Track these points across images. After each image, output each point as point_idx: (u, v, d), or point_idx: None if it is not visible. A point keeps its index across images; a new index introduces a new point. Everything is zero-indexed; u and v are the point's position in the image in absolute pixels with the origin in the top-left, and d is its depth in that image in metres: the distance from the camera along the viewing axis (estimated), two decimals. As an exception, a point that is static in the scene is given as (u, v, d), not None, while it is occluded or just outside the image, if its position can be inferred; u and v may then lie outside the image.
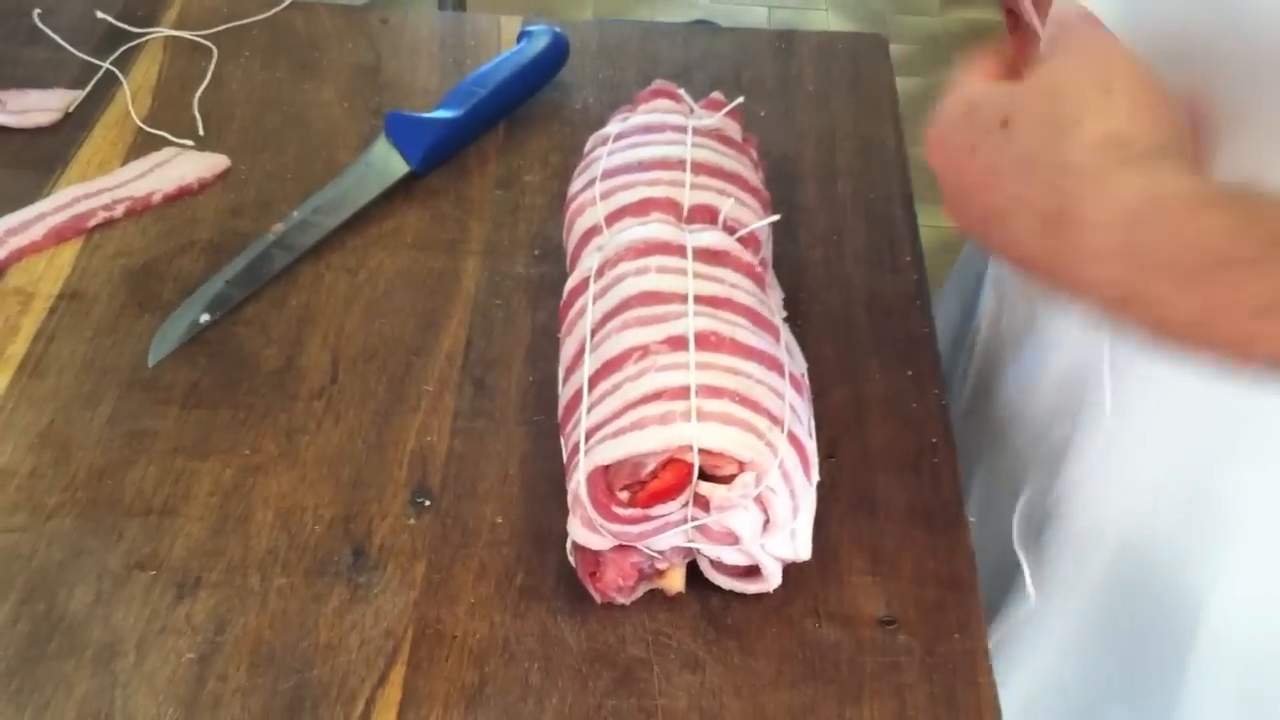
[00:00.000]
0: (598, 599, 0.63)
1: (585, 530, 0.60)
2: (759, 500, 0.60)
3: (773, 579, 0.63)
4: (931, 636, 0.63)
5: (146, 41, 0.96)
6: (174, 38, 0.96)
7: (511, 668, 0.61)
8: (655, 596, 0.64)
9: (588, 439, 0.61)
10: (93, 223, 0.82)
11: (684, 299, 0.64)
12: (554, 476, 0.68)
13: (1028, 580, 0.72)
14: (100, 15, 0.97)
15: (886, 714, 0.60)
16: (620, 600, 0.63)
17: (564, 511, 0.67)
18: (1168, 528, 0.66)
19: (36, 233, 0.80)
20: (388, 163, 0.85)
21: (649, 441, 0.59)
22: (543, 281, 0.80)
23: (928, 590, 0.65)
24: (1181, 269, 0.45)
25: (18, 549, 0.65)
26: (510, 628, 0.63)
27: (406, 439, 0.71)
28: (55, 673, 0.60)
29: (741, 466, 0.59)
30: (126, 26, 0.96)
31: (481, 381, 0.74)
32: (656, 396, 0.60)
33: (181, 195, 0.84)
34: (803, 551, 0.62)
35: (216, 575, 0.64)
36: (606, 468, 0.60)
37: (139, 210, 0.83)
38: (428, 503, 0.68)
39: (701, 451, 0.59)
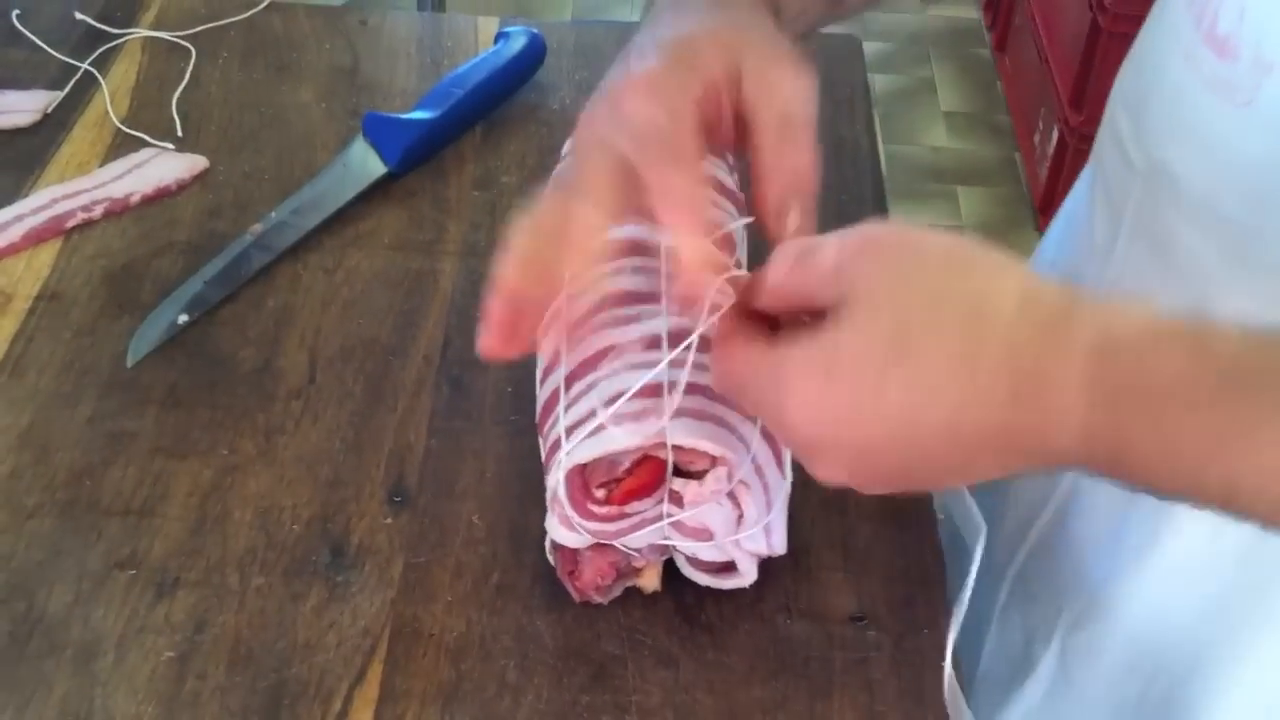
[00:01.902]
0: (576, 598, 0.63)
1: (563, 529, 0.61)
2: (732, 495, 0.61)
3: (748, 575, 0.64)
4: (901, 632, 0.64)
5: (125, 42, 0.96)
6: (152, 39, 0.97)
7: (488, 665, 0.62)
8: (630, 594, 0.65)
9: (566, 437, 0.61)
10: (71, 224, 0.82)
11: (659, 299, 0.65)
12: (530, 476, 0.69)
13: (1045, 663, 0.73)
14: (79, 16, 0.97)
15: (856, 707, 0.61)
16: (598, 600, 0.64)
17: (540, 510, 0.67)
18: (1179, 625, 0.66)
19: (15, 234, 0.81)
20: (365, 163, 0.86)
21: (624, 439, 0.60)
22: (519, 282, 0.80)
23: (897, 587, 0.66)
24: (1151, 405, 0.44)
25: (-3, 549, 0.66)
26: (487, 625, 0.63)
27: (384, 439, 0.71)
28: (35, 672, 0.61)
29: (714, 462, 0.60)
30: (105, 27, 0.97)
31: (459, 382, 0.75)
32: (632, 395, 0.61)
33: (160, 196, 0.85)
34: (778, 546, 0.63)
35: (195, 575, 0.65)
36: (584, 466, 0.60)
37: (117, 211, 0.83)
38: (405, 502, 0.68)
39: (675, 448, 0.60)
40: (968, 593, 0.59)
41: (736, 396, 0.53)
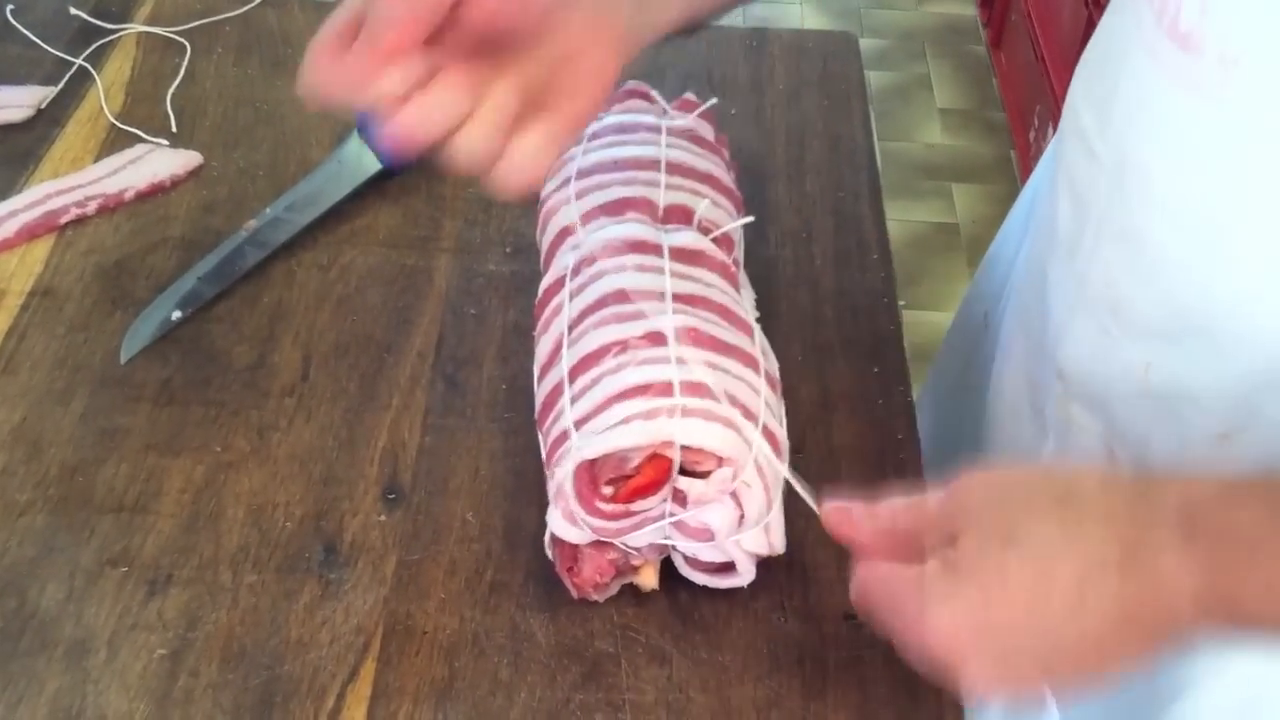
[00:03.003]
0: (574, 595, 0.63)
1: (565, 523, 0.61)
2: (734, 495, 0.61)
3: (746, 574, 0.64)
4: (895, 631, 0.64)
5: (119, 38, 0.96)
6: (147, 34, 0.96)
7: (481, 662, 0.62)
8: (624, 592, 0.65)
9: (576, 430, 0.61)
10: (65, 219, 0.82)
11: (661, 296, 0.64)
12: (524, 473, 0.69)
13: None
14: (73, 11, 0.97)
15: (850, 706, 0.61)
16: (595, 597, 0.64)
17: (534, 508, 0.68)
18: None
19: (9, 229, 0.80)
20: (360, 160, 0.85)
21: (635, 436, 0.59)
22: (514, 279, 0.80)
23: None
24: (1242, 548, 0.48)
25: (-10, 546, 0.65)
26: (480, 623, 0.63)
27: (378, 436, 0.71)
28: (27, 669, 0.61)
29: (720, 462, 0.60)
30: (99, 23, 0.97)
31: (453, 379, 0.74)
32: (640, 392, 0.60)
33: (154, 192, 0.85)
34: (778, 545, 0.63)
35: (188, 572, 0.65)
36: (593, 461, 0.60)
37: (111, 207, 0.83)
38: (399, 499, 0.68)
39: (683, 448, 0.59)
40: None
41: (875, 608, 0.55)
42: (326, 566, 0.65)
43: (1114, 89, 0.63)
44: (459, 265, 0.81)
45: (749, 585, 0.64)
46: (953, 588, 0.52)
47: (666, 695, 0.61)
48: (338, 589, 0.64)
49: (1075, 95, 0.67)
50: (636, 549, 0.63)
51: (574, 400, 0.62)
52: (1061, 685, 0.54)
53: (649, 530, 0.61)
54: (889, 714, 0.61)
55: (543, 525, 0.67)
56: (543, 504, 0.68)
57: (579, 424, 0.61)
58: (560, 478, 0.61)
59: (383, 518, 0.67)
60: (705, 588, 0.65)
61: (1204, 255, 0.58)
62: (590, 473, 0.60)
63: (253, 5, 1.00)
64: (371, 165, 0.85)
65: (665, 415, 0.59)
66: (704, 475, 0.61)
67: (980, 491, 0.54)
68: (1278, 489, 0.49)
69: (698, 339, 0.62)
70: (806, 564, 0.66)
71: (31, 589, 0.64)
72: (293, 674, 0.61)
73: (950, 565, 0.52)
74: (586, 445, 0.60)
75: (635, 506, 0.60)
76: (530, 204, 0.83)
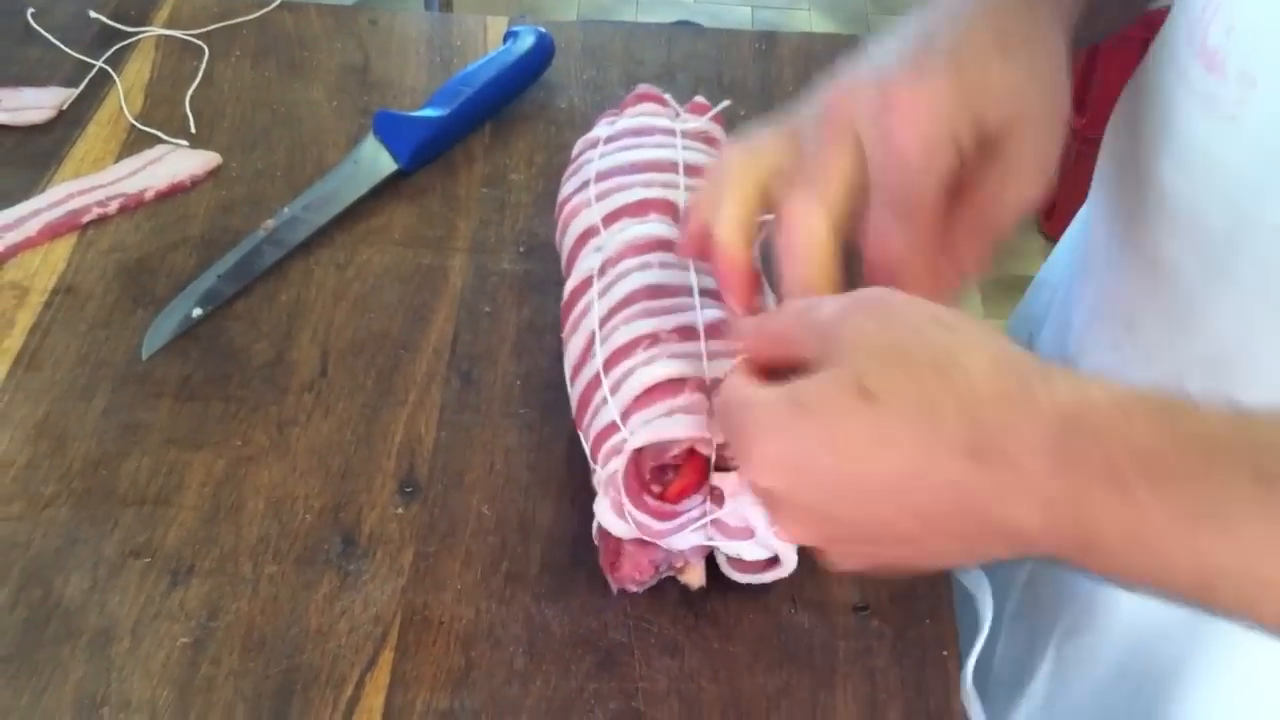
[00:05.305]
0: (614, 588, 0.64)
1: (613, 514, 0.61)
2: None
3: (789, 564, 0.63)
4: (902, 622, 0.65)
5: (138, 41, 0.97)
6: (165, 37, 0.98)
7: (497, 652, 0.63)
8: (636, 584, 0.66)
9: (623, 423, 0.61)
10: (87, 219, 0.83)
11: (689, 291, 0.65)
12: (538, 467, 0.70)
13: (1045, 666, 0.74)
14: (93, 15, 0.98)
15: (858, 696, 0.62)
16: (634, 589, 0.64)
17: (548, 501, 0.69)
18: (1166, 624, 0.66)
19: (31, 228, 0.82)
20: (376, 161, 0.87)
21: (681, 428, 0.59)
22: (528, 278, 0.81)
23: (899, 578, 0.67)
24: (1119, 478, 0.42)
25: (15, 537, 0.67)
26: (495, 614, 0.65)
27: (395, 431, 0.72)
28: (52, 657, 0.62)
29: None
30: (119, 25, 0.98)
31: (468, 375, 0.76)
32: (676, 386, 0.61)
33: (174, 192, 0.86)
34: None
35: (209, 563, 0.66)
36: (639, 452, 0.60)
37: (132, 207, 0.85)
38: (415, 493, 0.69)
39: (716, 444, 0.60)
40: (982, 637, 0.61)
41: (724, 428, 0.53)
42: (345, 558, 0.66)
43: (1145, 106, 0.63)
44: (473, 264, 0.82)
45: (760, 577, 0.65)
46: (788, 423, 0.47)
47: (678, 685, 0.62)
48: (356, 580, 0.66)
49: (1116, 112, 0.68)
50: (679, 551, 0.63)
51: (613, 392, 0.63)
52: (871, 560, 0.50)
53: (691, 532, 0.62)
54: (897, 704, 0.62)
55: (557, 518, 0.68)
56: (557, 497, 0.69)
57: (624, 416, 0.62)
58: (614, 467, 0.61)
59: (400, 510, 0.69)
60: (717, 580, 0.65)
61: (1215, 273, 0.59)
62: (636, 464, 0.61)
63: (269, 8, 1.01)
64: (387, 166, 0.87)
65: (701, 411, 0.60)
66: (737, 469, 0.61)
67: (866, 324, 0.48)
68: (1181, 421, 0.42)
69: (728, 333, 0.63)
70: (816, 558, 0.67)
71: (56, 579, 0.65)
72: (312, 663, 0.62)
73: (794, 399, 0.47)
74: (636, 435, 0.60)
75: (680, 507, 0.61)
76: (543, 204, 0.84)
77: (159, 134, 0.90)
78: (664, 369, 0.61)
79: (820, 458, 0.47)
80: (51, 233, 0.82)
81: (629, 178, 0.72)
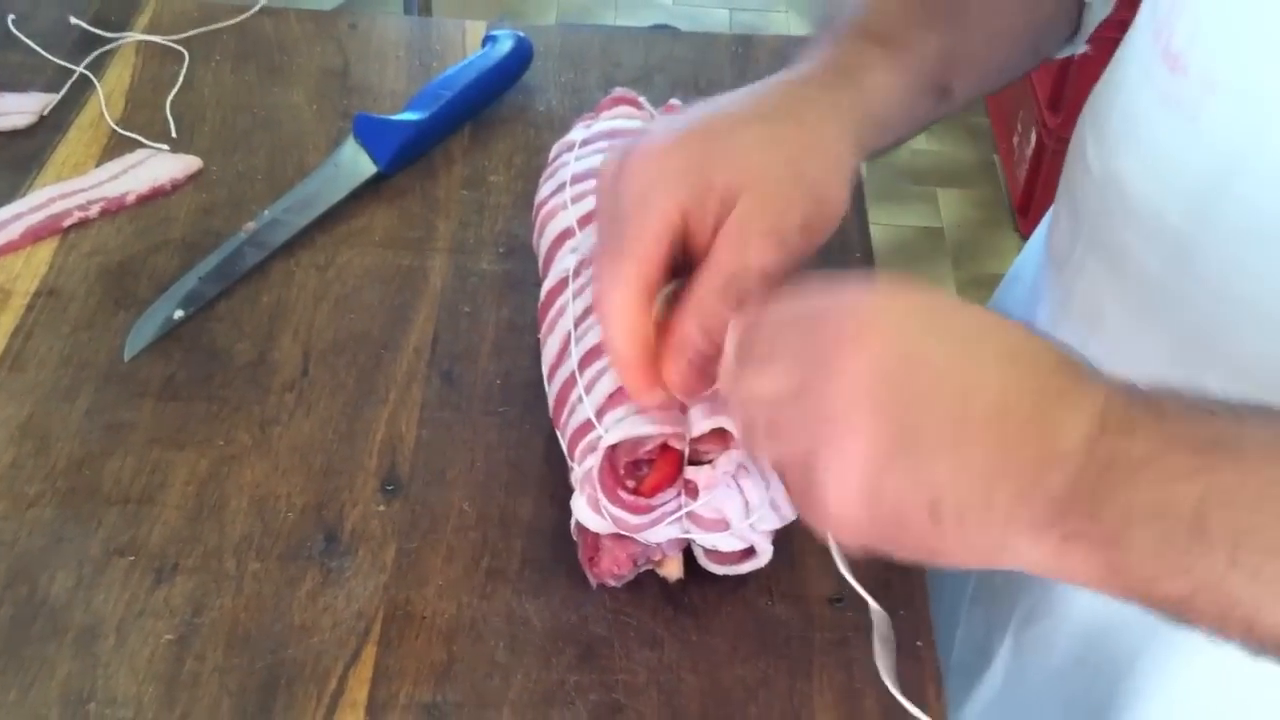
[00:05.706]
0: (593, 583, 0.65)
1: (589, 510, 0.62)
2: (737, 482, 0.62)
3: (765, 554, 0.65)
4: (878, 613, 0.66)
5: (119, 46, 0.98)
6: (146, 42, 0.98)
7: (478, 646, 0.64)
8: (616, 577, 0.67)
9: (598, 420, 0.63)
10: (68, 222, 0.84)
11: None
12: (519, 464, 0.71)
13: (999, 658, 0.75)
14: (74, 20, 0.99)
15: (835, 685, 0.63)
16: (613, 583, 0.65)
17: (528, 498, 0.70)
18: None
19: (14, 232, 0.82)
20: (356, 163, 0.88)
21: (654, 425, 0.61)
22: (508, 278, 0.82)
23: (874, 570, 0.67)
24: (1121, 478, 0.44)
25: (0, 536, 0.67)
26: (477, 608, 0.65)
27: (376, 429, 0.73)
28: (38, 655, 0.63)
29: (726, 445, 0.62)
30: (99, 31, 0.99)
31: (448, 374, 0.76)
32: None
33: (155, 196, 0.87)
34: (788, 514, 0.63)
35: (193, 561, 0.67)
36: (613, 448, 0.61)
37: (114, 210, 0.85)
38: (397, 490, 0.70)
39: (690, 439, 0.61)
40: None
41: (771, 353, 0.51)
42: (328, 555, 0.67)
43: (1110, 107, 0.65)
44: (453, 265, 0.83)
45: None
46: (889, 303, 0.49)
47: (658, 676, 0.63)
48: (339, 576, 0.66)
49: (1083, 116, 0.69)
50: (656, 544, 0.64)
51: (587, 391, 0.64)
52: (912, 481, 0.47)
53: (667, 525, 0.63)
54: (873, 693, 0.63)
55: (537, 514, 0.69)
56: (537, 493, 0.70)
57: (599, 414, 0.63)
58: (589, 464, 0.62)
59: (382, 508, 0.69)
60: (696, 573, 0.66)
61: (1177, 270, 0.60)
62: (611, 461, 0.62)
63: (249, 14, 1.02)
64: (367, 168, 0.87)
65: (674, 408, 0.61)
66: (710, 463, 0.62)
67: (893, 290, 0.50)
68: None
69: None
70: (793, 551, 0.68)
71: (42, 577, 0.66)
72: (296, 658, 0.63)
73: (880, 290, 0.49)
74: (610, 432, 0.62)
75: (655, 501, 0.62)
76: (522, 205, 0.85)
77: (140, 138, 0.90)
78: None
79: (927, 339, 0.47)
80: (34, 236, 0.83)
81: None
